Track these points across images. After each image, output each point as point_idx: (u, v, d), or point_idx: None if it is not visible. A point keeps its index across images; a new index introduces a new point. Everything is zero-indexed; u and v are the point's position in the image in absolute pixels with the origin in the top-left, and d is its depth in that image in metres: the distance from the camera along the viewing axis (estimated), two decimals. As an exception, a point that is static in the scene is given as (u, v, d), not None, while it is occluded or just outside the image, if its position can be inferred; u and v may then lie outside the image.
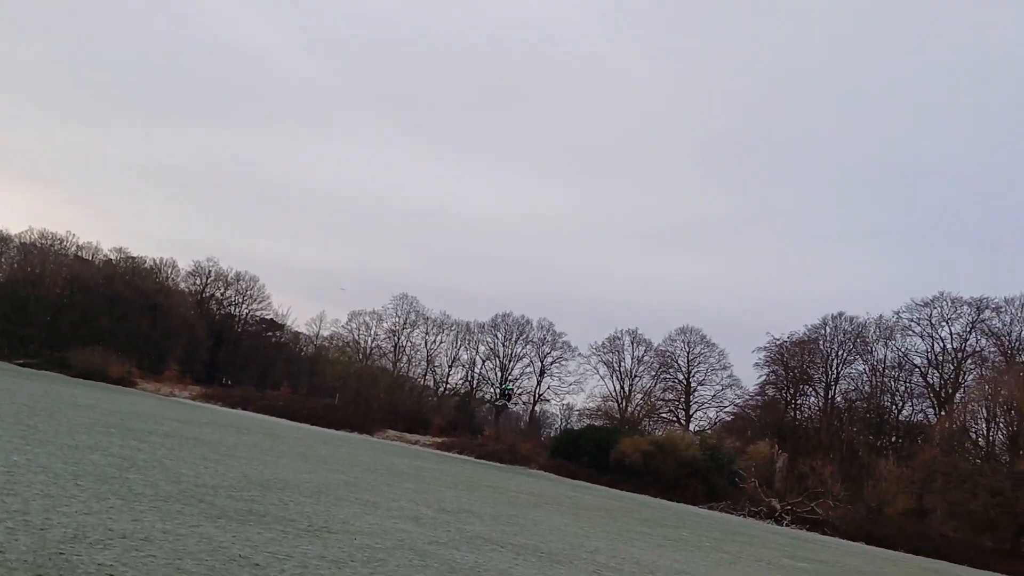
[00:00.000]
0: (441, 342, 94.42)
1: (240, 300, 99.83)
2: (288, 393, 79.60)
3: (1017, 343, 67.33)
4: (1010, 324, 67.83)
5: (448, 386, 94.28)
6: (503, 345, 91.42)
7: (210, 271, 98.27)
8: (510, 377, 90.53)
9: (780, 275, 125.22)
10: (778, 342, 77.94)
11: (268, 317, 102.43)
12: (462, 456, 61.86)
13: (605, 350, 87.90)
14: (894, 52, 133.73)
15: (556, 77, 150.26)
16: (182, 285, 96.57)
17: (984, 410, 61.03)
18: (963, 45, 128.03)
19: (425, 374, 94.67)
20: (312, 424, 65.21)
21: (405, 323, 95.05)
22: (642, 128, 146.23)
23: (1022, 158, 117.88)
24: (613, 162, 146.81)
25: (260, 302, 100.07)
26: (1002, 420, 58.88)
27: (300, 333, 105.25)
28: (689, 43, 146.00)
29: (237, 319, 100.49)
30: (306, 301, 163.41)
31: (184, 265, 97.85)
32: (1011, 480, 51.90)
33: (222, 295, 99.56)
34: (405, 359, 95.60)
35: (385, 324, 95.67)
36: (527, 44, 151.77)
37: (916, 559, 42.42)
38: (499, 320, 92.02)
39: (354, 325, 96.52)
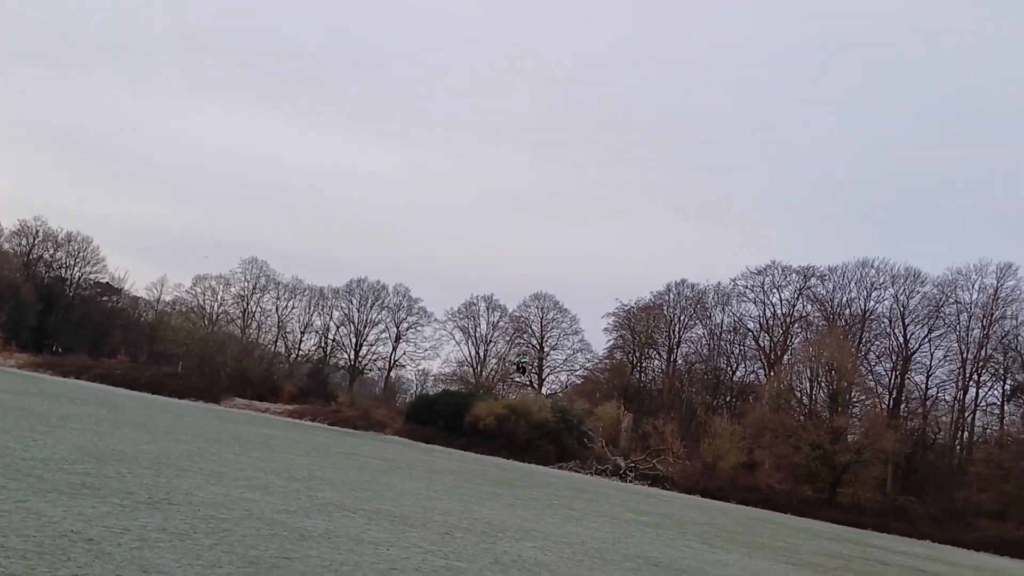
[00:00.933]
0: (293, 307, 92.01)
1: (72, 263, 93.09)
2: (126, 361, 75.34)
3: (838, 308, 73.17)
4: (832, 291, 73.62)
5: (301, 353, 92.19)
6: (358, 311, 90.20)
7: (38, 231, 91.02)
8: (365, 341, 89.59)
9: (634, 244, 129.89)
10: (626, 308, 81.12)
11: (103, 281, 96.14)
12: (315, 423, 60.89)
13: (461, 316, 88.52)
14: (743, 39, 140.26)
15: (425, 42, 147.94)
16: (6, 246, 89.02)
17: (808, 370, 66.08)
18: (804, 30, 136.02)
19: (276, 340, 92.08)
20: (153, 393, 62.19)
21: (255, 288, 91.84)
22: (511, 98, 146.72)
23: (846, 137, 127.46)
24: (481, 132, 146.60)
25: (94, 265, 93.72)
26: (823, 380, 63.97)
27: (139, 298, 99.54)
28: (560, 17, 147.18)
29: (68, 283, 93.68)
30: (148, 265, 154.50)
31: (8, 224, 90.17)
32: (830, 435, 56.64)
33: (51, 257, 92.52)
34: (255, 325, 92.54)
35: (233, 289, 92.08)
36: (389, 7, 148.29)
37: (746, 509, 45.71)
38: (354, 285, 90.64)
39: (199, 290, 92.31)
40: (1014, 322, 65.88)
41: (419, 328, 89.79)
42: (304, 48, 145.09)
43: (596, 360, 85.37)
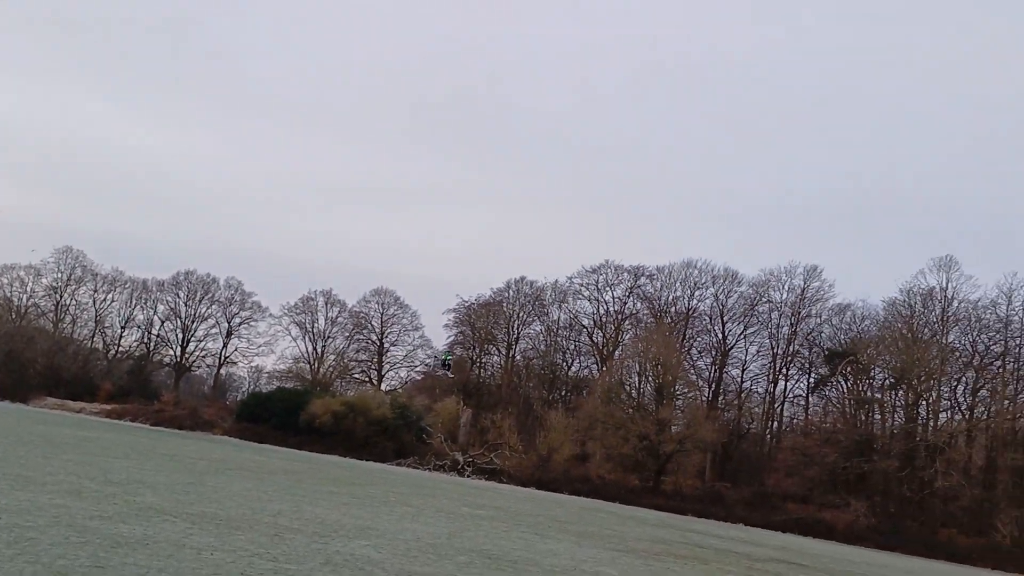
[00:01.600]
0: (113, 301, 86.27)
1: None
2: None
3: (665, 306, 77.20)
4: (660, 289, 77.61)
5: (121, 349, 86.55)
6: (186, 305, 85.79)
7: None
8: (193, 337, 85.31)
9: (475, 240, 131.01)
10: (467, 304, 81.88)
11: None
12: (136, 424, 57.41)
13: (298, 311, 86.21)
14: (572, 34, 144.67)
15: (242, 20, 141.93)
16: None
17: (637, 365, 69.35)
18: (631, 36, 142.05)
19: (93, 336, 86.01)
20: (-53, 394, 56.46)
21: (69, 279, 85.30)
22: (343, 86, 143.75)
23: (678, 144, 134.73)
24: (316, 119, 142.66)
25: None
26: (651, 374, 67.32)
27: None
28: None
29: None
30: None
31: None
32: (656, 426, 59.67)
33: None
34: (69, 319, 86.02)
35: (44, 280, 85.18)
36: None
37: (578, 499, 47.34)
38: (181, 278, 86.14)
39: (5, 280, 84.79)
40: (818, 320, 72.19)
41: (252, 323, 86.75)
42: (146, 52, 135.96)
43: (437, 356, 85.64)
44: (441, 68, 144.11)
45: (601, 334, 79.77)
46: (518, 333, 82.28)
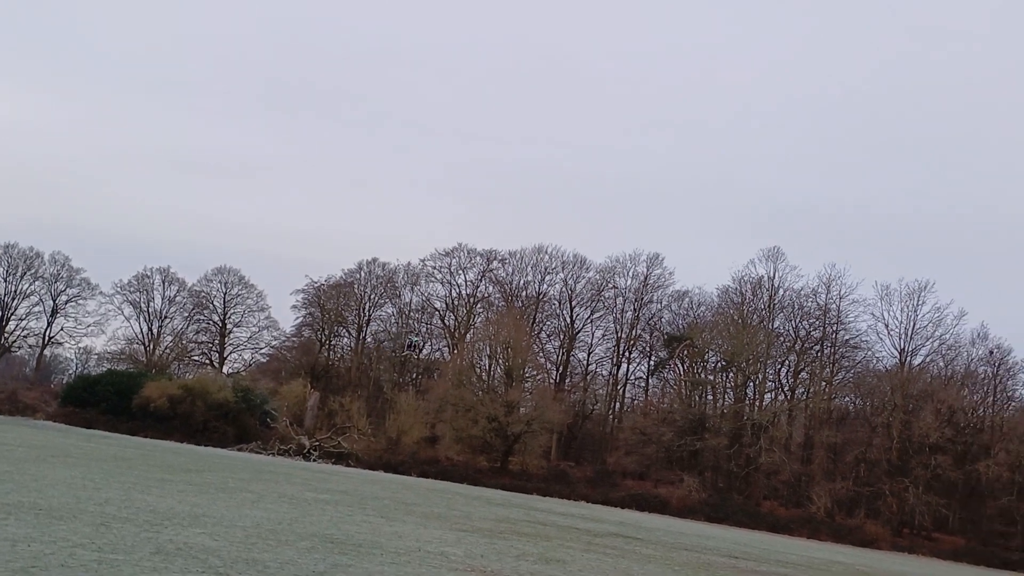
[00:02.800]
0: (-84, 275, 78.02)
1: None
2: None
3: (516, 290, 78.50)
4: (512, 274, 78.76)
5: (-76, 328, 78.59)
6: (4, 281, 78.92)
7: None
8: (13, 316, 78.73)
9: (324, 219, 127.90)
10: (316, 285, 79.90)
11: None
12: (-57, 409, 52.39)
13: (132, 289, 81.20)
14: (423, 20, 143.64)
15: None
16: None
17: (488, 348, 70.25)
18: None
19: None
20: None
21: None
22: (186, 58, 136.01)
23: (533, 130, 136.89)
24: (153, 88, 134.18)
25: None
26: (501, 357, 68.39)
27: None
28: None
29: None
30: None
31: None
32: (504, 408, 60.70)
33: None
34: None
35: None
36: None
37: (426, 482, 47.49)
38: (0, 252, 79.09)
39: None
40: (659, 306, 75.61)
41: (81, 302, 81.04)
42: None
43: (283, 338, 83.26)
44: (294, 45, 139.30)
45: (453, 317, 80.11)
46: (369, 315, 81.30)
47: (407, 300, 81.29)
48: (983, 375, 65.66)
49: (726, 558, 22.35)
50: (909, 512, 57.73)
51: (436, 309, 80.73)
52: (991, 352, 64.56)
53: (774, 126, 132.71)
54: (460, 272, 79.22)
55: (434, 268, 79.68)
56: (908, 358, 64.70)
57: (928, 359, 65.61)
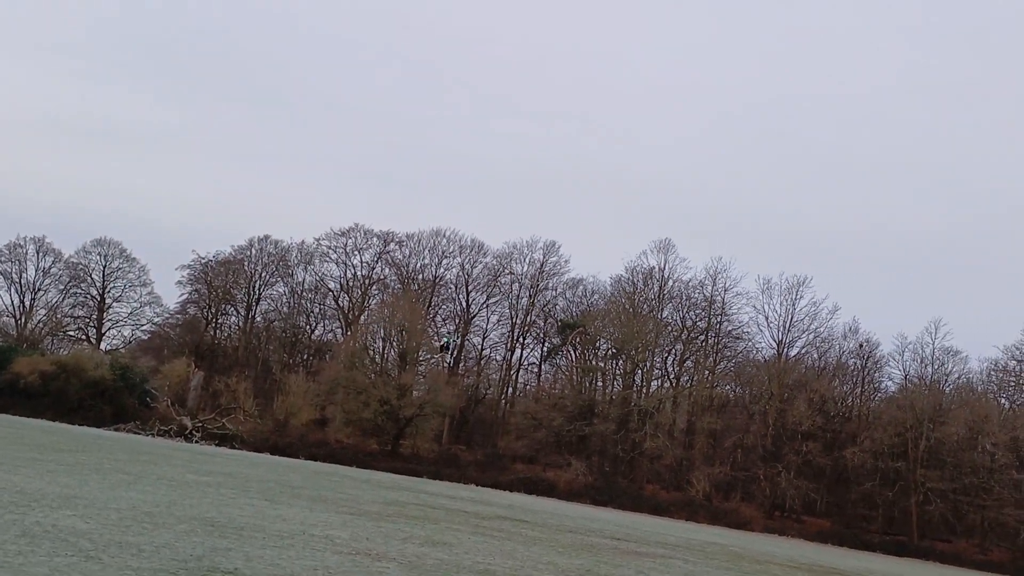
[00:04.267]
0: None
1: None
2: None
3: (413, 273, 78.05)
4: (408, 256, 78.22)
5: None
6: None
7: None
8: None
9: (214, 194, 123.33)
10: (203, 261, 77.10)
11: None
12: None
13: (2, 259, 76.28)
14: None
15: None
16: None
17: (382, 331, 69.65)
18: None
19: None
20: None
21: None
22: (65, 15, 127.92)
23: (434, 113, 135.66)
24: (22, 47, 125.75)
25: None
26: (395, 339, 67.97)
27: None
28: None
29: None
30: None
31: None
32: (397, 391, 60.41)
33: None
34: None
35: None
36: None
37: (314, 464, 46.78)
38: None
39: None
40: (553, 293, 76.69)
41: (-57, 270, 75.46)
42: None
43: (167, 315, 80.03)
44: (186, 11, 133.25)
45: (348, 298, 78.95)
46: (259, 293, 79.12)
47: (300, 279, 79.57)
48: (853, 367, 69.74)
49: (609, 540, 23.00)
50: (781, 496, 60.84)
51: (330, 290, 79.43)
52: (861, 345, 68.66)
53: (672, 121, 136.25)
54: (356, 253, 78.18)
55: (329, 248, 78.33)
56: (785, 349, 67.98)
57: (803, 351, 69.13)
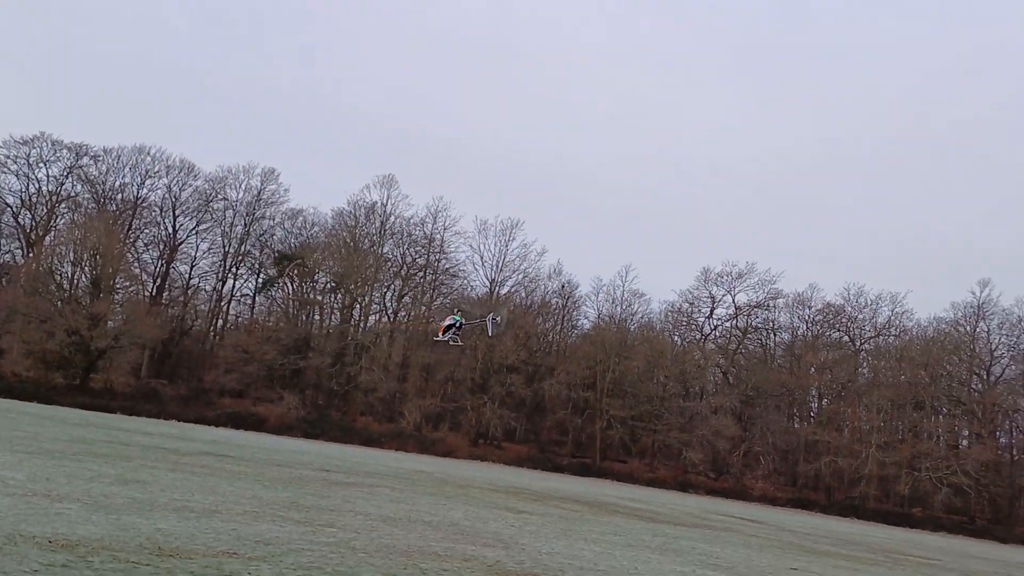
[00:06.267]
0: None
1: None
2: None
3: (111, 192, 70.77)
4: (106, 173, 70.70)
5: None
6: None
7: None
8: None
9: None
10: None
11: None
12: None
13: None
14: None
15: None
16: None
17: (72, 254, 62.75)
18: None
19: None
20: None
21: None
22: None
23: (135, 15, 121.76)
24: None
25: None
26: (88, 264, 61.61)
27: None
28: None
29: None
30: None
31: None
32: (89, 321, 55.12)
33: None
34: None
35: None
36: None
37: (-16, 401, 41.60)
38: None
39: None
40: (271, 223, 73.65)
41: None
42: None
43: None
44: None
45: (30, 216, 69.81)
46: (-87, 204, 67.37)
47: (-31, 191, 68.79)
48: (555, 306, 75.42)
49: (317, 472, 23.16)
50: (485, 425, 64.81)
51: (8, 205, 69.62)
52: (563, 286, 74.37)
53: (402, 60, 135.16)
54: (41, 165, 69.11)
55: (7, 158, 68.40)
56: (497, 288, 71.66)
57: (513, 289, 73.38)
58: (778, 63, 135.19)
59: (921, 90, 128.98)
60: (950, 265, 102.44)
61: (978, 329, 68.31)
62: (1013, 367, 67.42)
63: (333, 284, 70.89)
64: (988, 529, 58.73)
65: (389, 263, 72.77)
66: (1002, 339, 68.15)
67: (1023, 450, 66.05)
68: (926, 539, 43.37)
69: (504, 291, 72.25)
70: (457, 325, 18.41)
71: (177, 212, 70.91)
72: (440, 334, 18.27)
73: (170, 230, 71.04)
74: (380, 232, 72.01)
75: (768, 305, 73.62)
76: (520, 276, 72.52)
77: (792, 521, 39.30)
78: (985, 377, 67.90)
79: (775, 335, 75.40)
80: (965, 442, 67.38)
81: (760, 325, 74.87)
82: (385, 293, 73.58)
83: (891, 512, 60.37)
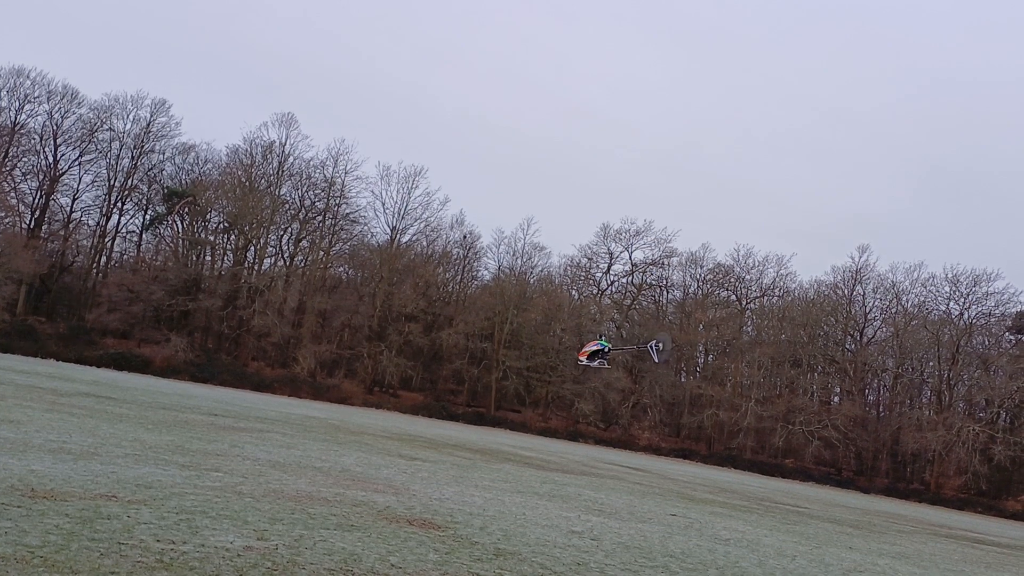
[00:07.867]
0: None
1: None
2: None
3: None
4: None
5: None
6: None
7: None
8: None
9: None
10: None
11: None
12: None
13: None
14: None
15: None
16: None
17: (-62, 180, 58.29)
18: None
19: None
20: None
21: None
22: None
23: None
24: None
25: None
26: (-44, 192, 57.44)
27: None
28: None
29: None
30: None
31: None
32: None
33: None
34: None
35: None
36: None
37: None
38: None
39: None
40: (161, 157, 70.11)
41: None
42: None
43: None
44: None
45: None
46: None
47: None
48: (456, 256, 75.29)
49: (205, 416, 22.63)
50: (382, 373, 64.60)
51: None
52: (465, 236, 74.20)
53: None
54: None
55: None
56: (398, 236, 70.90)
57: (414, 238, 72.76)
58: (693, 28, 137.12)
59: (808, 74, 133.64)
60: (835, 229, 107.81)
61: (854, 292, 72.40)
62: (884, 329, 71.97)
63: (226, 224, 68.52)
64: (852, 480, 63.17)
65: (287, 205, 70.78)
66: (876, 302, 72.59)
67: (888, 407, 70.83)
68: (796, 488, 46.22)
69: (405, 239, 71.63)
70: (604, 350, 17.79)
71: (59, 141, 66.55)
72: (583, 359, 17.61)
73: (50, 160, 66.72)
74: (278, 172, 69.86)
75: (663, 263, 75.71)
76: (422, 225, 72.02)
77: (674, 470, 41.10)
78: (858, 338, 72.19)
79: (668, 292, 77.82)
80: (836, 398, 71.73)
81: (654, 282, 77.01)
82: (282, 236, 71.74)
83: (766, 463, 63.97)
